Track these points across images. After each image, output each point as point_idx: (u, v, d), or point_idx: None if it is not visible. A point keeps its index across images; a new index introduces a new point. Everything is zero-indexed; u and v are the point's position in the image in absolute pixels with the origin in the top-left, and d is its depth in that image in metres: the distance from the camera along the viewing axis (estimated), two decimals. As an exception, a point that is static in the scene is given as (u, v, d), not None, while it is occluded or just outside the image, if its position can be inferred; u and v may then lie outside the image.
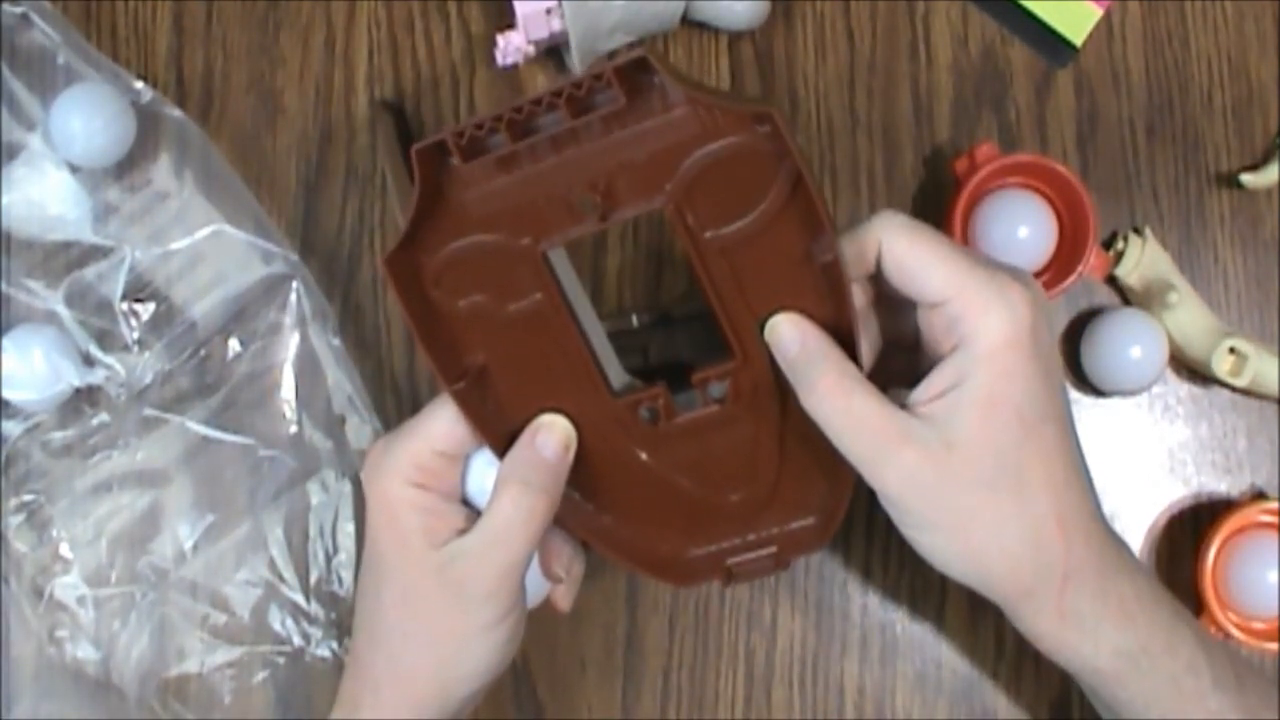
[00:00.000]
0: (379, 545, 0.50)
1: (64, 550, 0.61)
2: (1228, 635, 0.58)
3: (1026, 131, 0.63)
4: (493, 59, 0.60)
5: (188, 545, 0.61)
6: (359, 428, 0.61)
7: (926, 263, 0.45)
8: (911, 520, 0.46)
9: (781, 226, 0.45)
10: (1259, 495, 0.62)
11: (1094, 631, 0.47)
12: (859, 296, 0.47)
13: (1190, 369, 0.62)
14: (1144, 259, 0.61)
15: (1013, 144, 0.63)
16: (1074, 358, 0.62)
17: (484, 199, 0.46)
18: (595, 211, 0.46)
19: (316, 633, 0.61)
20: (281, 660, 0.61)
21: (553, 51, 0.63)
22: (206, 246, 0.61)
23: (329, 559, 0.61)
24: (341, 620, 0.61)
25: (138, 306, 0.61)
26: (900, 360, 0.49)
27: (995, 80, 0.64)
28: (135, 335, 0.61)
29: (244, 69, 0.64)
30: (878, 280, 0.47)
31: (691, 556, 0.52)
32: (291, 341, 0.61)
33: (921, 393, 0.46)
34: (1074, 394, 0.62)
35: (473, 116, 0.47)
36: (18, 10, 0.62)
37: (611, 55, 0.60)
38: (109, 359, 0.60)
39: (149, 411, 0.61)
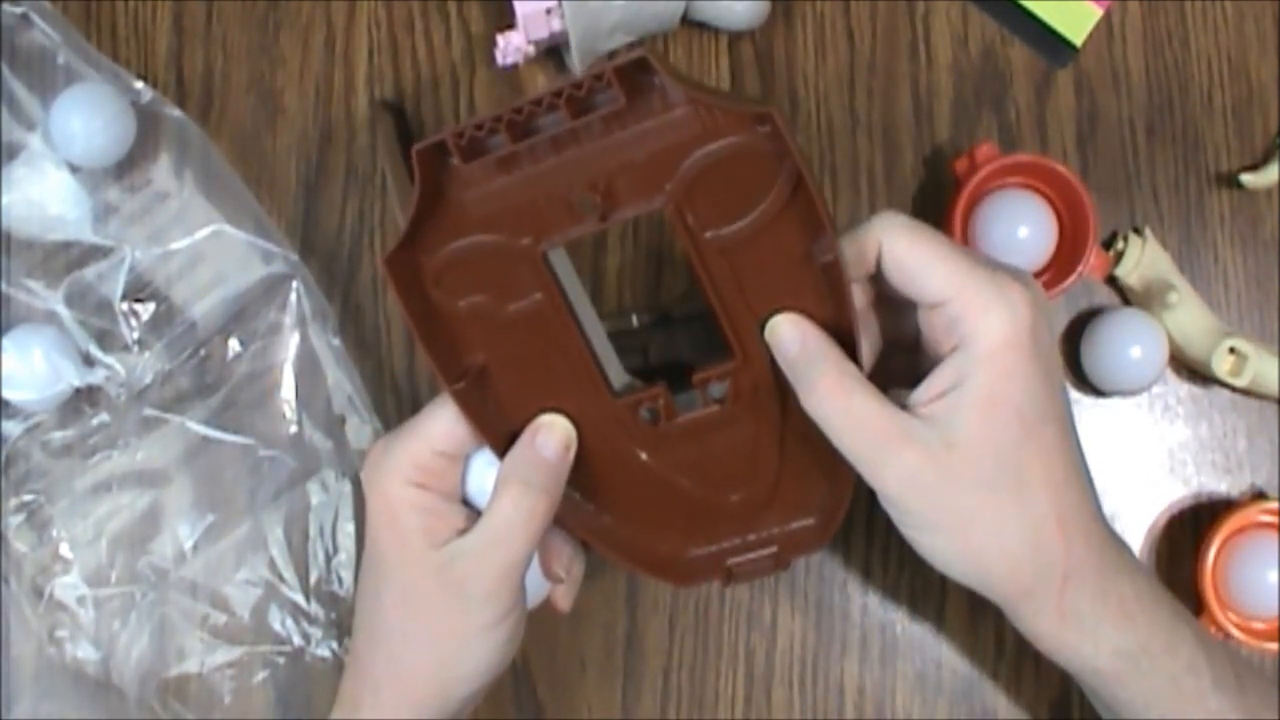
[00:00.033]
0: (379, 545, 0.50)
1: (64, 550, 0.61)
2: (1228, 635, 0.58)
3: (1026, 131, 0.63)
4: (493, 59, 0.60)
5: (188, 545, 0.61)
6: (359, 428, 0.61)
7: (926, 263, 0.45)
8: (911, 520, 0.46)
9: (781, 227, 0.45)
10: (1259, 495, 0.62)
11: (1094, 631, 0.47)
12: (859, 297, 0.47)
13: (1190, 369, 0.62)
14: (1144, 259, 0.61)
15: (1013, 144, 0.63)
16: (1074, 358, 0.61)
17: (484, 199, 0.46)
18: (595, 211, 0.46)
19: (316, 633, 0.61)
20: (281, 660, 0.61)
21: (553, 51, 0.63)
22: (206, 246, 0.61)
23: (329, 559, 0.61)
24: (341, 620, 0.61)
25: (138, 306, 0.61)
26: (900, 360, 0.49)
27: (995, 80, 0.64)
28: (135, 335, 0.61)
29: (244, 69, 0.64)
30: (878, 280, 0.47)
31: (691, 556, 0.52)
32: (291, 341, 0.61)
33: (922, 393, 0.46)
34: (1074, 394, 0.62)
35: (473, 117, 0.47)
36: (18, 10, 0.62)
37: (611, 55, 0.60)
38: (109, 359, 0.60)
39: (149, 411, 0.61)
